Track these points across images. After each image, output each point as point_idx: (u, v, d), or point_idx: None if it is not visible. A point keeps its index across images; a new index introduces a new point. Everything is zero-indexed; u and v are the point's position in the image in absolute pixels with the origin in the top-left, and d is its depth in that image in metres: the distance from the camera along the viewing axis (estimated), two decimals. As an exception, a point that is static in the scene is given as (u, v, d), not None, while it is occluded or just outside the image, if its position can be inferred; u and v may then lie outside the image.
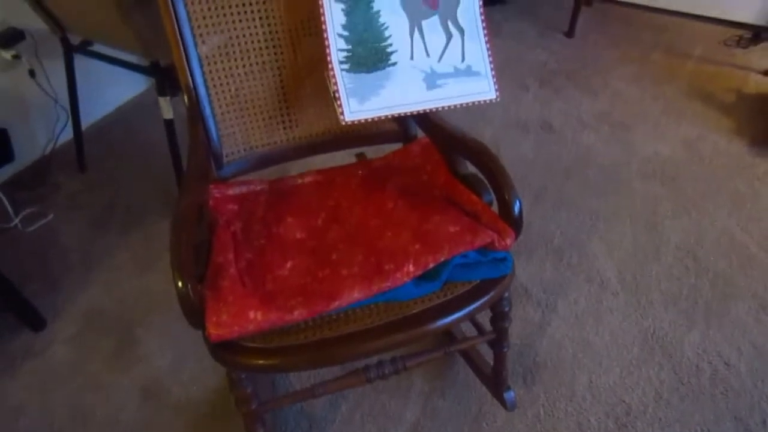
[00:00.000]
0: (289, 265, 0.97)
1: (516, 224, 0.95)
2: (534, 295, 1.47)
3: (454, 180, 1.08)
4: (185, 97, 1.06)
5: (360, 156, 1.33)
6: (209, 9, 1.04)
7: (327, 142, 1.23)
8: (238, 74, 1.11)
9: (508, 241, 0.94)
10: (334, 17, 1.04)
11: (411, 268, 0.90)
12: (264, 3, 1.08)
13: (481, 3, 1.14)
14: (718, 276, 1.51)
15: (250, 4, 1.07)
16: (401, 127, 1.22)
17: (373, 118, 1.06)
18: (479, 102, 1.14)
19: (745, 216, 1.67)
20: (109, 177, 1.86)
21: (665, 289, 1.48)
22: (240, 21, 1.08)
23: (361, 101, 1.06)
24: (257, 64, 1.12)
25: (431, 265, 0.91)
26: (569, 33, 2.48)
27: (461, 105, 1.13)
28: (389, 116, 1.08)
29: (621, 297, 1.46)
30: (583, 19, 2.56)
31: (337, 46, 1.04)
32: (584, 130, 1.99)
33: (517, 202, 0.94)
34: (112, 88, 2.08)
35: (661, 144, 1.92)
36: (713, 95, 2.13)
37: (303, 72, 1.17)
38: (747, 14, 2.48)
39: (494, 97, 1.14)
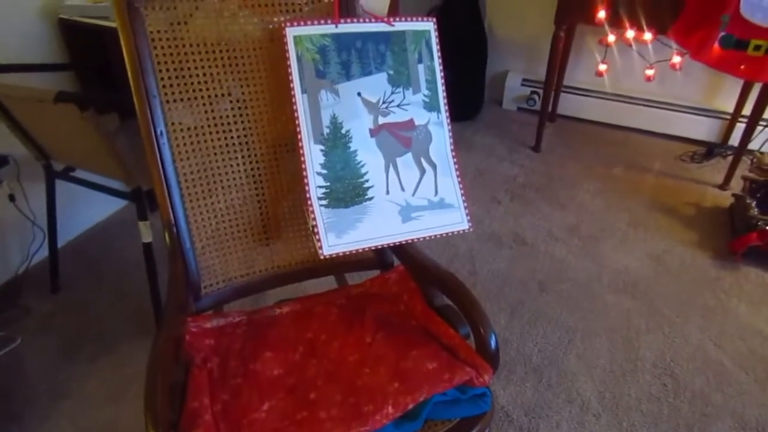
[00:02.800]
0: (266, 406, 0.95)
1: (493, 359, 0.95)
2: (516, 420, 1.44)
3: (430, 311, 1.10)
4: (166, 234, 1.08)
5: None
6: (193, 150, 1.09)
7: (306, 270, 1.25)
8: (220, 209, 1.15)
9: (486, 378, 0.95)
10: (313, 157, 1.09)
11: (390, 409, 0.89)
12: (246, 138, 1.14)
13: (451, 141, 1.22)
14: (696, 395, 1.51)
15: (233, 143, 1.13)
16: (378, 255, 1.25)
17: (350, 251, 1.09)
18: (453, 233, 1.19)
19: (717, 331, 1.70)
20: (83, 298, 1.83)
21: (646, 409, 1.47)
22: (222, 159, 1.13)
23: (339, 235, 1.10)
24: (238, 198, 1.16)
25: (410, 406, 0.91)
26: (536, 147, 2.63)
27: (436, 236, 1.18)
28: (367, 249, 1.12)
29: (603, 419, 1.45)
30: (547, 135, 2.73)
31: (315, 184, 1.09)
32: (556, 244, 2.06)
33: (493, 337, 0.96)
34: (90, 206, 2.11)
35: (629, 257, 1.99)
36: (675, 209, 2.25)
37: (283, 203, 1.22)
38: (699, 132, 2.67)
39: (467, 227, 1.19)
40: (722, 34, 1.98)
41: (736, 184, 2.28)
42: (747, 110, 2.27)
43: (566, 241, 2.07)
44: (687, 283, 1.88)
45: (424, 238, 1.15)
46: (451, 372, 0.94)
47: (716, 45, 2.00)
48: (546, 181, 2.42)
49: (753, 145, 2.42)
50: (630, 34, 2.17)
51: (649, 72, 2.37)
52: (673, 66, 2.23)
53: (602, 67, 2.45)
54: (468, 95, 2.88)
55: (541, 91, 2.65)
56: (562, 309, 1.78)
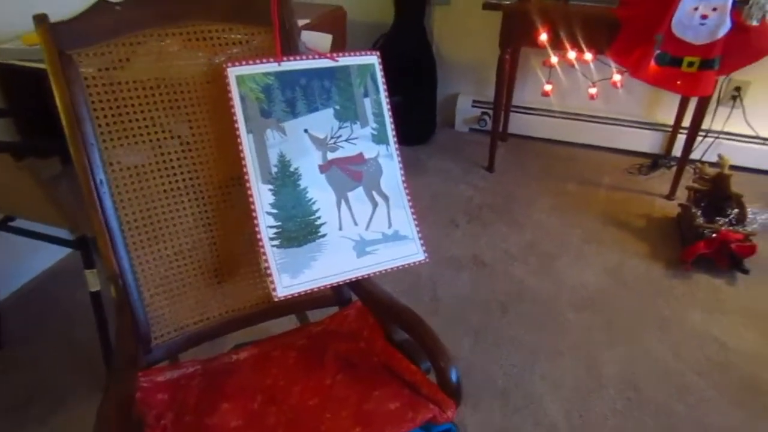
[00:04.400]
0: (223, 463, 0.90)
1: (455, 394, 0.94)
2: (485, 447, 1.43)
3: (390, 347, 1.08)
4: (111, 287, 1.03)
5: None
6: (136, 197, 1.05)
7: (262, 312, 1.21)
8: (168, 255, 1.11)
9: (450, 414, 0.93)
10: (262, 198, 1.07)
11: (354, 456, 0.87)
12: (192, 180, 1.10)
13: (402, 172, 1.22)
14: (659, 407, 1.53)
15: (179, 187, 1.09)
16: (335, 291, 1.23)
17: (306, 291, 1.07)
18: (410, 264, 1.18)
19: (675, 341, 1.74)
20: (29, 354, 1.73)
21: (612, 426, 1.48)
22: (168, 204, 1.09)
23: (293, 275, 1.07)
24: (187, 243, 1.13)
25: (374, 451, 0.88)
26: (489, 168, 2.67)
27: (393, 269, 1.17)
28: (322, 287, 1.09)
29: (571, 439, 1.45)
30: (500, 155, 2.77)
31: (266, 224, 1.07)
32: (514, 263, 2.07)
33: (454, 371, 0.94)
34: (34, 255, 2.01)
35: (586, 273, 2.03)
36: (626, 221, 2.31)
37: (236, 244, 1.18)
38: (644, 144, 2.77)
39: (423, 258, 1.19)
40: (657, 52, 2.07)
41: (682, 194, 2.35)
42: (687, 122, 2.36)
43: (524, 261, 2.09)
44: (643, 294, 1.93)
45: (381, 271, 1.14)
46: (414, 411, 0.92)
47: (653, 63, 2.09)
48: (501, 201, 2.45)
49: (695, 155, 2.53)
50: (571, 55, 2.24)
51: (592, 90, 2.44)
52: (614, 84, 2.31)
53: (547, 87, 2.52)
54: (421, 119, 2.91)
55: (491, 112, 2.70)
56: (524, 329, 1.79)
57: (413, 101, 2.85)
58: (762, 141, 2.55)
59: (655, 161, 2.68)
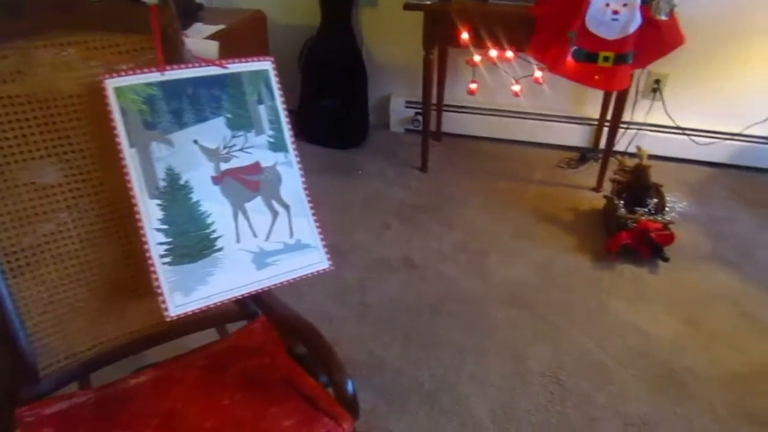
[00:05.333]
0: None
1: (351, 407, 0.92)
2: (410, 453, 1.41)
3: (292, 362, 1.05)
4: (-15, 318, 0.97)
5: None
6: (11, 220, 0.99)
7: (163, 332, 1.16)
8: (52, 280, 1.04)
9: (346, 427, 0.91)
10: (150, 214, 1.02)
11: (243, 479, 0.83)
12: (75, 200, 1.05)
13: (303, 180, 1.19)
14: (581, 398, 1.55)
15: (60, 207, 1.03)
16: (241, 306, 1.19)
17: (201, 308, 1.03)
18: (314, 273, 1.16)
19: (599, 332, 1.77)
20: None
21: (535, 421, 1.49)
22: (49, 226, 1.03)
23: (186, 293, 1.03)
24: (73, 266, 1.07)
25: (266, 472, 0.85)
26: (423, 168, 2.67)
27: (296, 279, 1.14)
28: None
29: (495, 438, 1.45)
30: (434, 154, 2.78)
31: (155, 241, 1.02)
32: (445, 263, 2.07)
33: (349, 384, 0.92)
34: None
35: (516, 269, 2.04)
36: (556, 216, 2.34)
37: (129, 263, 1.13)
38: (572, 139, 2.82)
39: (327, 266, 1.16)
40: (574, 48, 2.11)
41: (609, 186, 2.41)
42: (611, 115, 2.41)
43: (455, 260, 2.09)
44: (570, 288, 1.95)
45: (283, 282, 1.11)
46: (309, 427, 0.90)
47: (570, 58, 2.12)
48: (434, 201, 2.45)
49: (620, 147, 2.59)
50: (493, 53, 2.26)
51: (516, 88, 2.48)
52: (536, 80, 2.34)
53: (473, 86, 2.54)
54: (353, 122, 2.89)
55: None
56: (453, 330, 1.78)
57: (345, 104, 2.83)
58: (681, 131, 2.63)
59: (583, 155, 2.74)
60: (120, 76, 1.01)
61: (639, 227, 2.00)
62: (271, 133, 1.16)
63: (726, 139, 2.60)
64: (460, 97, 2.90)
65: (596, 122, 2.72)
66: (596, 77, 2.14)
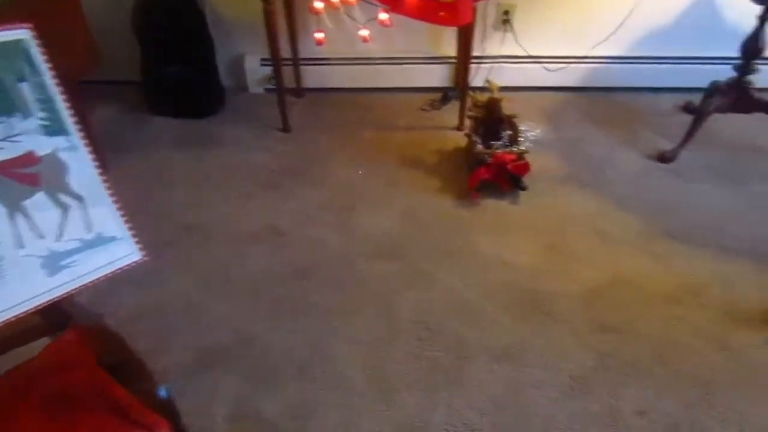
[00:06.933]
0: None
1: (167, 412, 0.83)
2: (282, 429, 1.36)
3: (103, 372, 0.93)
4: None
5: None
6: None
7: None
8: None
9: (164, 432, 0.82)
10: None
11: None
12: None
13: (96, 164, 1.04)
14: (450, 340, 1.57)
15: None
16: (45, 318, 1.05)
17: (-16, 330, 0.88)
18: (124, 267, 1.04)
19: (465, 270, 1.79)
20: None
21: (406, 371, 1.49)
22: None
23: (-41, 316, 0.88)
24: None
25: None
26: (285, 129, 2.54)
27: (102, 278, 1.01)
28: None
29: (367, 395, 1.43)
30: (297, 112, 2.65)
31: None
32: (313, 226, 2.00)
33: (162, 390, 0.83)
34: None
35: (384, 220, 2.01)
36: (421, 160, 2.32)
37: None
38: (434, 79, 2.79)
39: (140, 257, 1.04)
40: (414, -15, 2.03)
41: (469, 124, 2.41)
42: (462, 52, 2.39)
43: (323, 220, 2.02)
44: (436, 231, 1.95)
45: (86, 285, 0.98)
46: (118, 441, 0.80)
47: (411, -4, 2.05)
48: (299, 162, 2.34)
49: (477, 83, 2.60)
50: (335, -2, 2.14)
51: (364, 33, 2.38)
52: (382, 23, 2.25)
53: (319, 36, 2.41)
54: (205, 87, 2.68)
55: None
56: (322, 293, 1.73)
57: (192, 69, 2.60)
58: (534, 60, 2.68)
59: (445, 94, 2.73)
60: None
61: (495, 161, 2.02)
62: (42, 115, 0.99)
63: (575, 62, 2.68)
64: (316, 49, 2.76)
65: (454, 60, 2.70)
66: (441, 13, 2.09)
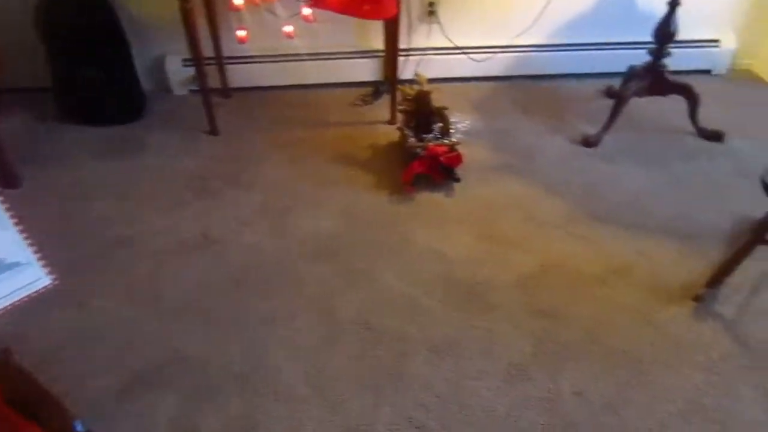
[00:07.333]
0: None
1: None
2: (223, 446, 1.32)
3: (10, 411, 0.87)
4: None
5: None
6: None
7: None
8: None
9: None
10: None
11: None
12: None
13: (-6, 187, 0.96)
14: (392, 337, 1.57)
15: None
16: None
17: None
18: (33, 294, 0.97)
19: (403, 266, 1.79)
20: None
21: (351, 373, 1.47)
22: None
23: None
24: None
25: None
26: (213, 131, 2.46)
27: (9, 308, 0.94)
28: None
29: (312, 403, 1.41)
30: (225, 113, 2.57)
31: None
32: (246, 231, 1.94)
33: (78, 425, 0.78)
34: None
35: (320, 220, 1.98)
36: (355, 156, 2.30)
37: None
38: (364, 74, 2.77)
39: (48, 282, 0.98)
40: (335, -21, 2.00)
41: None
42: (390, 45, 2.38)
43: (257, 225, 1.97)
44: (372, 228, 1.94)
45: (-9, 318, 0.91)
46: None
47: (333, -9, 2.02)
48: (230, 165, 2.27)
49: (407, 75, 2.60)
50: (254, -6, 2.08)
51: (288, 29, 2.32)
52: (306, 18, 2.21)
53: (241, 33, 2.34)
54: (123, 91, 2.54)
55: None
56: (260, 300, 1.69)
57: (107, 73, 2.46)
58: (461, 50, 2.70)
59: (377, 88, 2.71)
60: None
61: (428, 154, 2.03)
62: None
63: (500, 52, 2.72)
64: (241, 47, 2.68)
65: (383, 53, 2.69)
66: (365, 7, 2.07)
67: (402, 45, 2.44)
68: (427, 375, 1.47)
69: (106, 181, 2.18)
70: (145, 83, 2.72)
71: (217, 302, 1.69)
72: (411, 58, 2.69)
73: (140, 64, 2.65)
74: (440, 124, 2.13)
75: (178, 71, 2.71)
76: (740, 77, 2.88)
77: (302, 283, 1.74)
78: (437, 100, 2.16)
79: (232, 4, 2.20)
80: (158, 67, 2.73)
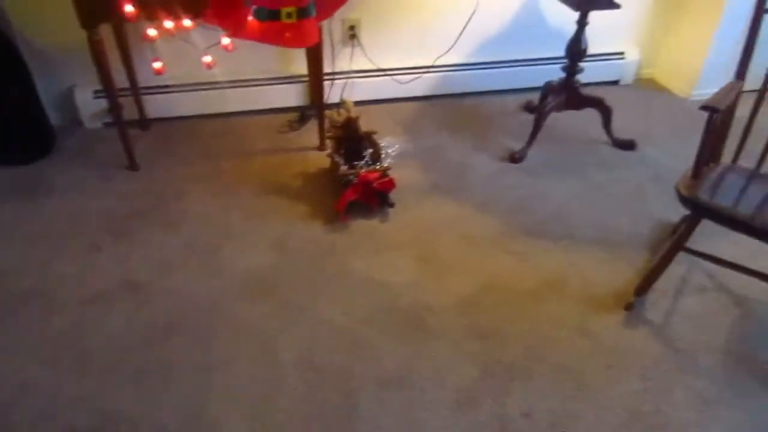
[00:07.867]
0: None
1: None
2: None
3: None
4: None
5: None
6: None
7: None
8: None
9: None
10: None
11: None
12: None
13: None
14: (338, 375, 1.52)
15: None
16: None
17: None
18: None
19: (343, 298, 1.75)
20: None
21: (298, 418, 1.42)
22: None
23: None
24: None
25: None
26: (132, 166, 2.32)
27: None
28: None
29: (257, 456, 1.34)
30: (144, 146, 2.44)
31: None
32: (174, 274, 1.83)
33: None
34: None
35: (252, 256, 1.90)
36: (285, 186, 2.24)
37: None
38: (289, 99, 2.72)
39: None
40: (254, 8, 1.95)
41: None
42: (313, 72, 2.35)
43: (185, 266, 1.87)
44: (308, 260, 1.89)
45: None
46: None
47: (252, 19, 1.96)
48: (152, 202, 2.15)
49: (334, 99, 2.57)
50: (169, 24, 1.98)
51: (207, 59, 2.23)
52: (225, 48, 2.14)
53: (157, 65, 2.22)
54: (26, 127, 2.35)
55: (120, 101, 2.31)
56: (194, 349, 1.59)
57: (6, 108, 2.27)
58: (384, 72, 2.71)
59: (302, 114, 2.67)
60: None
61: (361, 180, 2.01)
62: None
63: (423, 72, 2.76)
64: (158, 76, 2.56)
65: (307, 78, 2.65)
66: (287, 35, 2.02)
67: (326, 69, 2.42)
68: (376, 411, 1.43)
69: (12, 226, 2.00)
70: (54, 117, 2.55)
71: (145, 355, 1.57)
72: (336, 81, 2.67)
73: (47, 97, 2.48)
74: (371, 150, 2.11)
75: (89, 103, 2.54)
76: (644, 86, 3.07)
77: (238, 326, 1.66)
78: (365, 123, 2.15)
79: (146, 34, 2.09)
80: (67, 100, 2.55)
